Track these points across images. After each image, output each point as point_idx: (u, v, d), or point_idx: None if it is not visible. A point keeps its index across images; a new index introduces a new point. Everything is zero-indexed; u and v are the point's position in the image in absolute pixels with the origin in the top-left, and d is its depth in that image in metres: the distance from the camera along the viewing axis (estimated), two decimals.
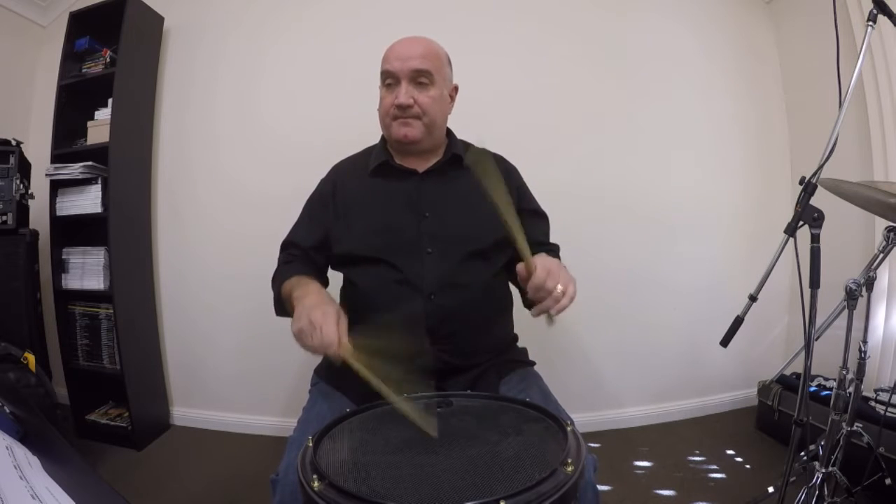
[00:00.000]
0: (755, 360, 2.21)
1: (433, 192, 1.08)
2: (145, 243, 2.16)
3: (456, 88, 1.15)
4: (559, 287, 0.80)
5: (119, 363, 1.96)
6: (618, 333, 2.11)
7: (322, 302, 0.85)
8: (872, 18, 1.06)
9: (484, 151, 0.78)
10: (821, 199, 1.09)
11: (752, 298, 1.24)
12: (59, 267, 2.01)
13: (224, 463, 1.88)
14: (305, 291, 0.91)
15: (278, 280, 1.05)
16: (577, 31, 2.11)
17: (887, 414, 1.38)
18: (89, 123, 2.03)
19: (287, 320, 1.06)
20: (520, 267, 0.85)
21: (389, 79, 1.06)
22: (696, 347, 2.14)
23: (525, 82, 2.08)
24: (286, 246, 1.15)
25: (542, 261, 0.83)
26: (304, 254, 1.11)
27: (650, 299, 2.14)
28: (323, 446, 0.67)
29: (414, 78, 1.04)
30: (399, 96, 1.03)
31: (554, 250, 1.17)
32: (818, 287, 1.04)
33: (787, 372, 1.97)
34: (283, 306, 1.00)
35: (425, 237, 1.04)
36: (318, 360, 1.15)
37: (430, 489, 0.55)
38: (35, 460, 0.53)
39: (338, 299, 1.05)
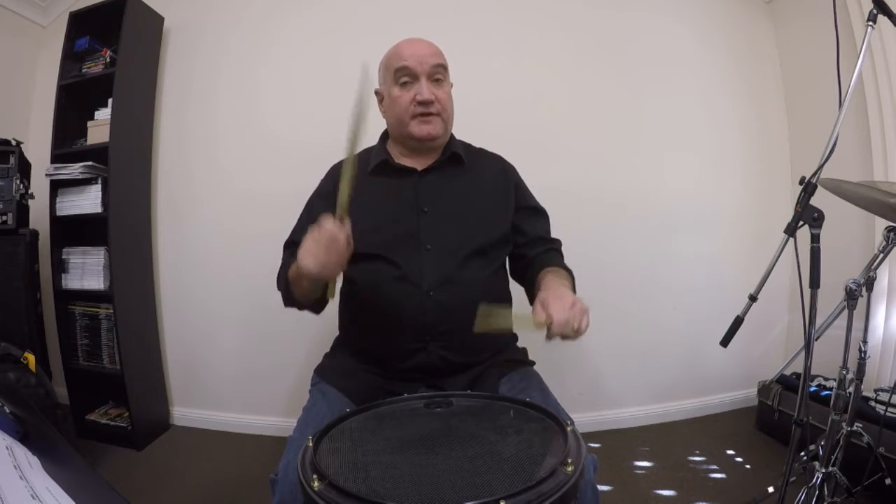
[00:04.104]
0: (755, 360, 2.21)
1: (432, 189, 1.09)
2: (145, 243, 2.15)
3: (451, 86, 1.16)
4: (575, 326, 0.80)
5: (119, 363, 1.96)
6: (618, 333, 2.10)
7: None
8: (872, 18, 1.06)
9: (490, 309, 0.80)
10: (821, 199, 1.09)
11: (752, 298, 1.24)
12: (59, 267, 2.01)
13: (224, 463, 1.88)
14: None
15: (283, 274, 1.05)
16: (577, 30, 2.11)
17: (887, 414, 1.38)
18: (89, 123, 2.03)
19: (289, 314, 1.06)
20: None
21: (406, 77, 1.06)
22: (696, 347, 2.13)
23: (524, 82, 2.08)
24: (289, 245, 1.15)
25: (556, 312, 0.79)
26: None
27: (650, 299, 2.14)
28: (323, 446, 0.67)
29: (431, 75, 1.06)
30: (422, 93, 1.04)
31: (556, 247, 1.17)
32: (818, 287, 1.04)
33: (787, 372, 1.97)
34: (292, 295, 1.00)
35: (424, 233, 1.04)
36: (318, 360, 1.15)
37: (430, 489, 0.55)
38: (35, 460, 0.53)
39: (338, 298, 1.05)
